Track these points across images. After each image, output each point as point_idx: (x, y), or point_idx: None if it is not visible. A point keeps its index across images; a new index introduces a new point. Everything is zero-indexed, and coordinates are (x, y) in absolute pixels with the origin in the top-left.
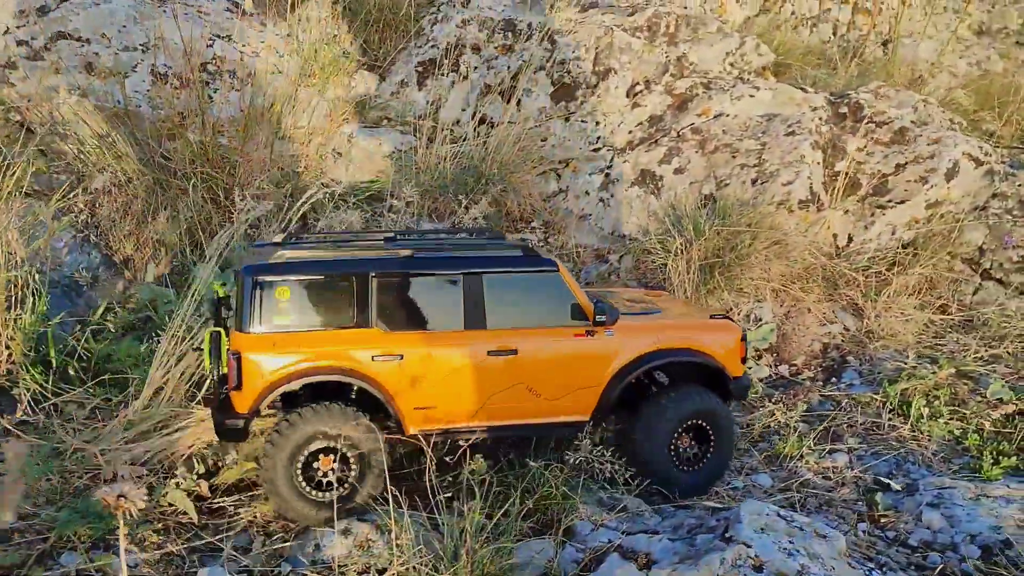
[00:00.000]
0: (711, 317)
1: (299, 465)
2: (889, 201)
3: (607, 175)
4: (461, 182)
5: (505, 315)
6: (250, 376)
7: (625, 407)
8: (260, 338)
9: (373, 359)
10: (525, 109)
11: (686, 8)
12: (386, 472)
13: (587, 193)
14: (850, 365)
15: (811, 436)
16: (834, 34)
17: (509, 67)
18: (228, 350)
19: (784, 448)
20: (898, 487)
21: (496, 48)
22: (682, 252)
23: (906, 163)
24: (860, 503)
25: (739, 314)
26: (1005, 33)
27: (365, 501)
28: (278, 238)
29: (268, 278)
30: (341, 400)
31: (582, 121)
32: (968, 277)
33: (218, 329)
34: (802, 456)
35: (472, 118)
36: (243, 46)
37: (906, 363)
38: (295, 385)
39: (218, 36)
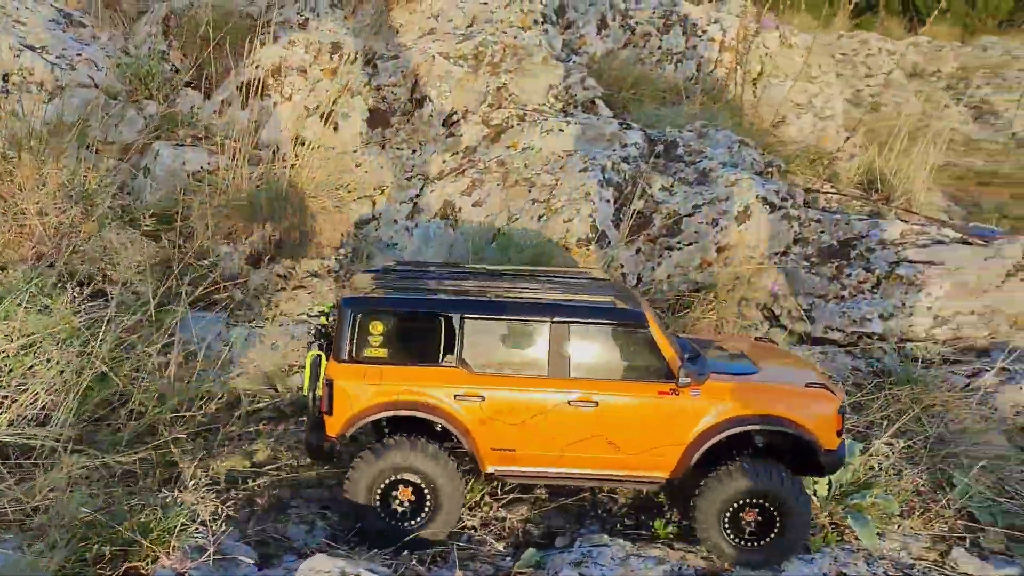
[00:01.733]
0: (807, 385)
1: (378, 493)
2: (679, 242)
3: (415, 204)
4: (259, 204)
5: (589, 365)
6: (340, 403)
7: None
8: (352, 368)
9: (456, 398)
10: (342, 133)
11: (516, 38)
12: (460, 508)
13: (395, 222)
14: None
15: (497, 484)
16: (698, 71)
17: (328, 91)
18: (324, 375)
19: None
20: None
21: (321, 71)
22: None
23: (703, 204)
24: (509, 559)
25: None
26: (937, 77)
27: (435, 535)
28: (389, 263)
29: (364, 311)
30: (423, 430)
31: (397, 148)
32: (757, 323)
33: (319, 353)
34: (479, 505)
35: (292, 140)
36: (56, 58)
37: None
38: (380, 416)
39: (30, 47)
